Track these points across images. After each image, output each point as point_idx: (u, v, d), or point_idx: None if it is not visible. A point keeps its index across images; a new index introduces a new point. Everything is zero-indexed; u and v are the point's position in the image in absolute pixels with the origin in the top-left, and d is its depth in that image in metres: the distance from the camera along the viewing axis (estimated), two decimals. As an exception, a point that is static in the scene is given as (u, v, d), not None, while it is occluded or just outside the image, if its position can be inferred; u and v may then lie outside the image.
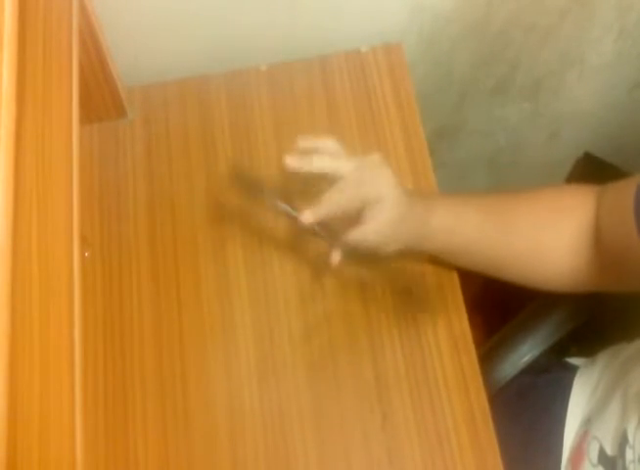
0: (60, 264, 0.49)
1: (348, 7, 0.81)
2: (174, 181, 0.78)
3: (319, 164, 0.60)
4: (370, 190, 0.60)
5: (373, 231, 0.61)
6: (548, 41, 0.93)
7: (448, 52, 0.92)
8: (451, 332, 0.69)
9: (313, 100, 0.81)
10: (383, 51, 0.83)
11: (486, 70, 0.97)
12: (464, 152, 1.16)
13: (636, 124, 1.13)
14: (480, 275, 0.68)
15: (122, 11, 0.75)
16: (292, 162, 0.60)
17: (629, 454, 0.62)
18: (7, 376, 0.36)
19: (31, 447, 0.41)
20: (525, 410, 0.80)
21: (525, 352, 0.81)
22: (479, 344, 0.70)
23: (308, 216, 0.59)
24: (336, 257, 0.63)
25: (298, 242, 0.73)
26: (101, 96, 0.77)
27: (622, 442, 0.63)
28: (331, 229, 0.63)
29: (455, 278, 0.72)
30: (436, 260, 0.71)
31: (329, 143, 0.61)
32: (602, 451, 0.66)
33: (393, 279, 0.72)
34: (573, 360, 0.82)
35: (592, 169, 1.04)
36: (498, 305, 0.80)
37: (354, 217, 0.61)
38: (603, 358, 0.78)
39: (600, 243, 0.62)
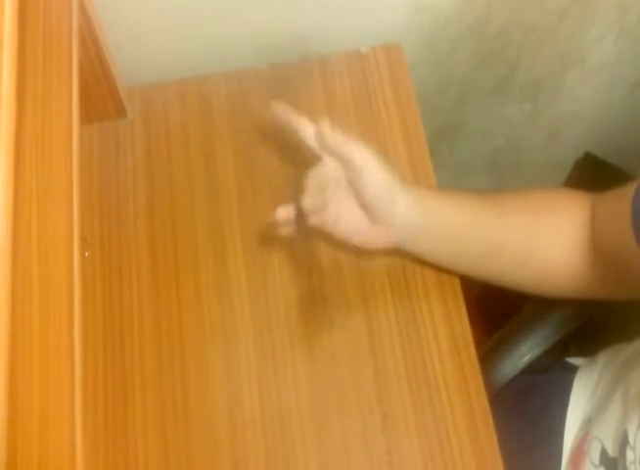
0: (60, 264, 0.49)
1: (348, 7, 0.81)
2: (174, 181, 0.78)
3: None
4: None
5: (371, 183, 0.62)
6: (548, 41, 0.93)
7: (448, 52, 0.92)
8: (451, 332, 0.69)
9: (313, 100, 0.81)
10: (383, 51, 0.83)
11: (486, 70, 0.97)
12: (464, 152, 1.16)
13: (636, 124, 1.13)
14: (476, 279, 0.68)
15: (122, 11, 0.75)
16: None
17: (630, 455, 0.62)
18: (7, 376, 0.35)
19: (31, 447, 0.41)
20: (526, 410, 0.80)
21: (525, 352, 0.81)
22: (479, 344, 0.70)
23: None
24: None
25: (299, 242, 0.73)
26: (101, 96, 0.77)
27: (623, 443, 0.63)
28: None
29: (455, 277, 0.72)
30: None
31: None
32: (604, 452, 0.66)
33: (393, 279, 0.72)
34: (573, 360, 0.82)
35: (592, 169, 1.04)
36: (498, 305, 0.79)
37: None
38: (603, 358, 0.78)
39: (596, 252, 0.62)
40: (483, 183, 1.26)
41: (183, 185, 0.77)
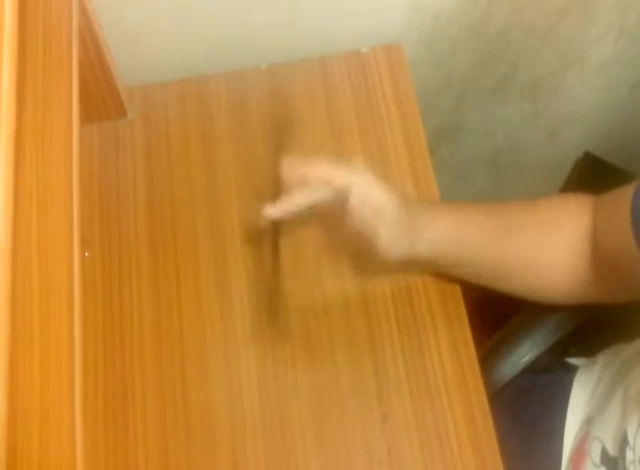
0: (60, 264, 0.49)
1: (348, 7, 0.81)
2: (174, 181, 0.78)
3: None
4: (367, 211, 0.59)
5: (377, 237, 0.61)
6: (548, 41, 0.93)
7: (448, 52, 0.92)
8: (451, 332, 0.69)
9: (313, 100, 0.81)
10: (383, 51, 0.83)
11: (486, 70, 0.97)
12: (464, 152, 1.16)
13: (636, 124, 1.13)
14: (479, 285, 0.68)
15: (122, 11, 0.75)
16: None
17: (629, 455, 0.62)
18: (7, 376, 0.35)
19: (31, 447, 0.41)
20: (525, 410, 0.80)
21: (525, 353, 0.81)
22: (479, 344, 0.70)
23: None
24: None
25: (299, 242, 0.73)
26: (101, 96, 0.77)
27: (623, 443, 0.63)
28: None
29: (456, 280, 0.72)
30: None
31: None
32: (604, 452, 0.66)
33: (393, 281, 0.72)
34: (573, 360, 0.82)
35: (592, 169, 1.04)
36: (498, 306, 0.79)
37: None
38: (603, 358, 0.78)
39: (596, 254, 0.62)
40: (483, 183, 1.26)
41: (183, 185, 0.77)
